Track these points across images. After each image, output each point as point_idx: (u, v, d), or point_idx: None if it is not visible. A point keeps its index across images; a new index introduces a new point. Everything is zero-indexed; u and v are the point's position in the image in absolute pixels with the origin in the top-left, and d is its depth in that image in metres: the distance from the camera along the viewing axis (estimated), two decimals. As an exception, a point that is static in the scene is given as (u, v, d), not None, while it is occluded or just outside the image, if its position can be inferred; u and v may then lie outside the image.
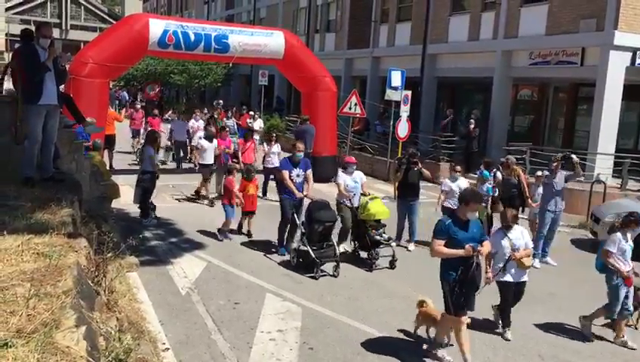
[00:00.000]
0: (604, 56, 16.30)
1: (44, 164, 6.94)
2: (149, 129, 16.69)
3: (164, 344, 6.38)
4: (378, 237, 9.87)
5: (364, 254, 10.07)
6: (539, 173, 11.65)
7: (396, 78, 18.38)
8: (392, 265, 9.83)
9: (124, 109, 31.70)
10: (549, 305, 8.69)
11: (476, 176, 12.55)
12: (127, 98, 36.94)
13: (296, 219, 9.87)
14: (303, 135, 16.42)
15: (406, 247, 11.05)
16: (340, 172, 10.66)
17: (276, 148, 14.85)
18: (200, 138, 15.55)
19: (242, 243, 10.80)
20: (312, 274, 9.03)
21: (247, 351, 6.53)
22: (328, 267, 9.31)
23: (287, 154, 10.80)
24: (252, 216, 11.18)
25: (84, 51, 15.99)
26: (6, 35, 49.88)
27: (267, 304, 7.89)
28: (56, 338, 3.06)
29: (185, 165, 18.74)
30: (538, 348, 7.12)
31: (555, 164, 10.84)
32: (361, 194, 10.42)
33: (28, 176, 6.60)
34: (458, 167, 11.58)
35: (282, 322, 7.34)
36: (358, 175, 10.54)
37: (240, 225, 11.31)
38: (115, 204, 11.77)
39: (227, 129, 14.93)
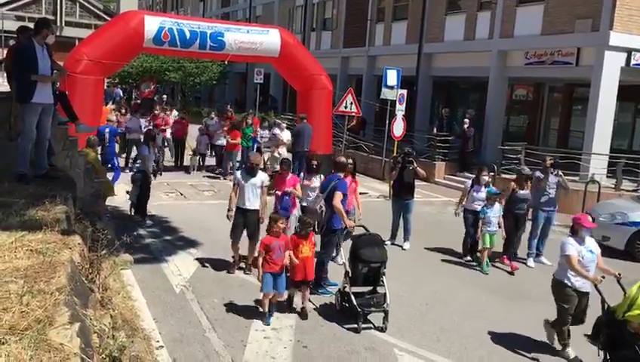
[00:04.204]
0: (599, 57, 16.35)
1: (38, 160, 6.90)
2: (148, 128, 16.54)
3: (158, 342, 6.36)
4: None
5: None
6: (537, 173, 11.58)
7: (392, 77, 18.40)
8: None
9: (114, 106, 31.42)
10: (543, 304, 8.70)
11: (469, 179, 12.00)
12: (122, 95, 36.80)
13: (341, 256, 7.95)
14: (301, 134, 16.46)
15: (401, 246, 11.06)
16: (568, 239, 7.00)
17: (317, 180, 9.71)
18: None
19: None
20: (354, 326, 7.19)
21: (242, 349, 6.52)
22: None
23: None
24: (307, 287, 7.72)
25: (79, 48, 15.92)
26: (0, 31, 49.68)
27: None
28: (49, 335, 3.05)
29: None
30: (532, 347, 7.14)
31: (547, 163, 10.92)
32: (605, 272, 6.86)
33: (22, 173, 6.56)
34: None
35: (276, 320, 7.32)
36: (593, 243, 7.03)
37: (290, 299, 7.79)
38: (110, 201, 11.73)
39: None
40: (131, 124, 17.46)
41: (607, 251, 11.42)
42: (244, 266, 9.09)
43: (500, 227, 10.09)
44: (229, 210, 8.80)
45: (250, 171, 8.90)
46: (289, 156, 16.08)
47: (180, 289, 8.19)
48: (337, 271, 8.38)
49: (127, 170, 15.64)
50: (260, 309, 7.38)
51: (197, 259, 9.60)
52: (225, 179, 16.77)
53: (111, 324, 4.75)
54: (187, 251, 10.01)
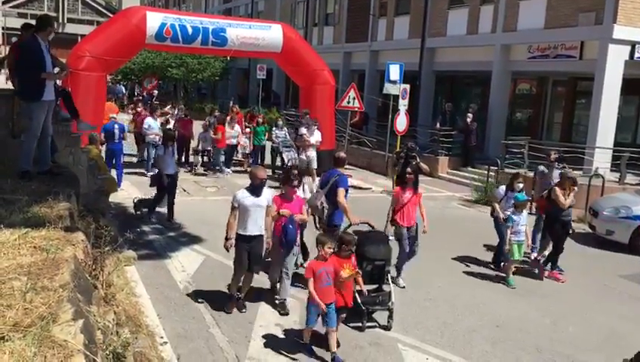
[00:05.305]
0: (602, 50, 16.28)
1: (42, 157, 6.91)
2: (167, 127, 16.34)
3: (162, 338, 6.37)
4: None
5: None
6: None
7: (394, 72, 18.35)
8: None
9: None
10: (547, 298, 8.70)
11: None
12: (124, 92, 36.83)
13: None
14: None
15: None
16: None
17: (300, 193, 8.47)
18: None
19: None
20: (358, 325, 7.02)
21: (246, 344, 6.52)
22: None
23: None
24: (344, 314, 6.73)
25: (81, 45, 15.92)
26: (3, 28, 49.71)
27: (265, 298, 7.88)
28: (53, 332, 3.05)
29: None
30: (536, 341, 7.13)
31: (551, 158, 10.89)
32: None
33: (25, 169, 6.57)
34: None
35: (280, 316, 7.32)
36: None
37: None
38: (113, 198, 11.74)
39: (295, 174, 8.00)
40: (150, 124, 16.76)
41: (611, 245, 11.47)
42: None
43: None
44: (227, 239, 7.18)
45: (255, 190, 7.16)
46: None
47: (184, 286, 8.20)
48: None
49: (147, 172, 15.51)
50: (303, 341, 6.51)
51: (200, 254, 9.61)
52: (221, 175, 16.72)
53: (115, 321, 4.75)
54: (191, 247, 10.01)
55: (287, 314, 7.38)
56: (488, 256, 10.40)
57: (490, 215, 10.09)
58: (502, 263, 9.65)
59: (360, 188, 16.37)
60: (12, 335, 2.96)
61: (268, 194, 7.33)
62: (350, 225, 8.15)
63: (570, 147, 16.68)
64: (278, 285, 7.76)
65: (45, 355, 2.86)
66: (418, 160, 11.28)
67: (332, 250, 6.33)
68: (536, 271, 9.62)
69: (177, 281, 8.37)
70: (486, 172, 16.15)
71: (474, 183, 16.08)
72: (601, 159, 15.81)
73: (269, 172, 17.45)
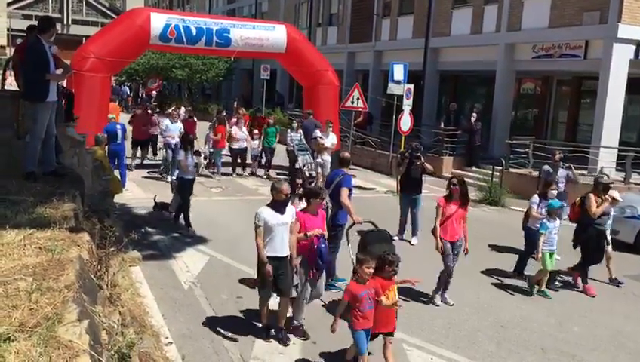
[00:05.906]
0: (607, 49, 16.23)
1: (46, 158, 6.94)
2: (184, 132, 16.16)
3: (167, 338, 6.38)
4: None
5: None
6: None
7: (398, 72, 18.34)
8: None
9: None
10: (552, 298, 8.67)
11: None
12: (128, 93, 36.91)
13: (350, 252, 7.37)
14: (308, 130, 16.41)
15: (409, 241, 11.03)
16: None
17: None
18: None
19: (244, 237, 10.77)
20: None
21: (250, 345, 6.52)
22: None
23: None
24: (391, 339, 6.10)
25: (86, 46, 15.96)
26: (8, 30, 49.89)
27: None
28: (58, 332, 3.06)
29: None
30: (541, 341, 7.11)
31: (556, 158, 10.87)
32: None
33: (30, 170, 6.60)
34: None
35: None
36: None
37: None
38: (118, 198, 11.76)
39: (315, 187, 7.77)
40: (168, 126, 16.14)
41: (617, 245, 11.41)
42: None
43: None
44: (264, 263, 6.42)
45: (279, 206, 6.52)
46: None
47: (189, 286, 8.21)
48: (346, 266, 8.36)
49: (169, 177, 15.08)
50: None
51: (205, 255, 9.62)
52: (216, 176, 16.61)
53: (120, 321, 4.76)
54: (195, 247, 10.03)
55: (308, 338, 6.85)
56: (492, 256, 10.38)
57: (522, 228, 9.58)
58: (519, 271, 9.36)
59: (364, 188, 16.37)
60: (18, 336, 2.97)
61: (291, 210, 6.75)
62: (354, 224, 8.15)
63: (575, 146, 16.64)
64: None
65: (51, 355, 2.87)
66: (422, 160, 11.26)
67: (371, 270, 5.84)
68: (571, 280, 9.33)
69: (182, 282, 8.38)
70: (490, 172, 16.13)
71: (478, 183, 16.05)
72: (606, 158, 15.75)
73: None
